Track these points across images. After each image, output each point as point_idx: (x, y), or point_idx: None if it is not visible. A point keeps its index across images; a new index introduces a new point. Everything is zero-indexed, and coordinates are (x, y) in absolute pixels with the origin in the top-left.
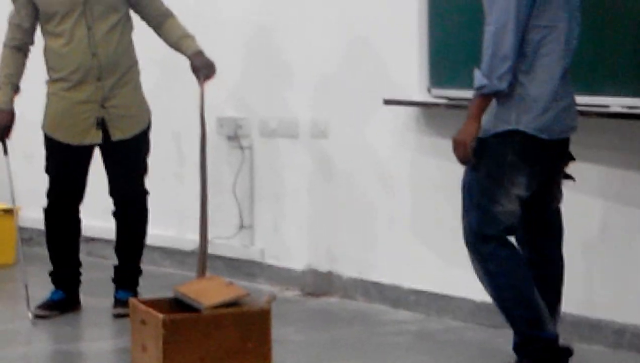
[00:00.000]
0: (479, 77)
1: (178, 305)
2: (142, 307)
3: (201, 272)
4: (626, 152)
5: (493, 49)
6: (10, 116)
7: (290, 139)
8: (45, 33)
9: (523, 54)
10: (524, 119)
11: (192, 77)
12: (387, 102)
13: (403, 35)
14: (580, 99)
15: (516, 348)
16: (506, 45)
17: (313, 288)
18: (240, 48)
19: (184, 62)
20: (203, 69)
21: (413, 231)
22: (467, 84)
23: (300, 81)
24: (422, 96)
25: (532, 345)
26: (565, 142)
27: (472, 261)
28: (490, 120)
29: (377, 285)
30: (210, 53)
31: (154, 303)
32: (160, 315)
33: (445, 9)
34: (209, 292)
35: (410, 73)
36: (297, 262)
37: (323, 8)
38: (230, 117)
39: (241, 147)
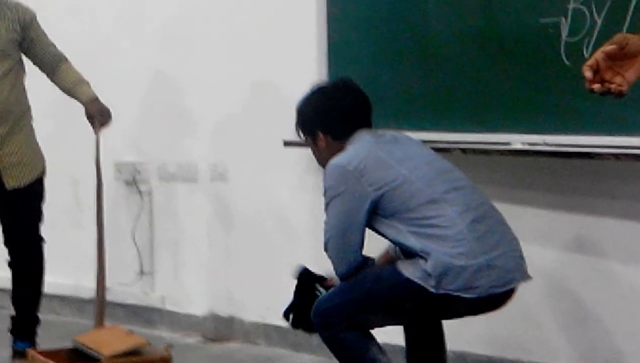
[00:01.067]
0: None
1: (78, 355)
2: (41, 358)
3: (99, 321)
4: (527, 188)
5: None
6: None
7: (189, 183)
8: None
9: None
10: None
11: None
12: (287, 144)
13: (303, 78)
14: (481, 137)
15: None
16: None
17: (215, 334)
18: (137, 92)
19: (81, 108)
20: (98, 116)
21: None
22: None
23: (199, 124)
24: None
25: None
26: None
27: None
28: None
29: (278, 329)
30: (107, 97)
31: (53, 354)
32: None
33: (344, 50)
34: (109, 342)
35: None
36: (198, 307)
37: (223, 52)
38: (129, 162)
39: (140, 192)
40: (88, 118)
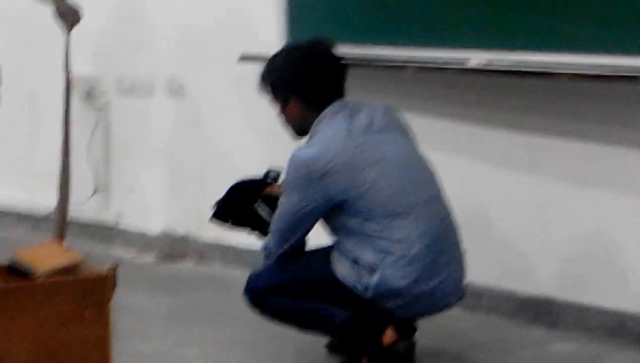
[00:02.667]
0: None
1: (13, 272)
2: None
3: (58, 240)
4: (484, 107)
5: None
6: None
7: (146, 98)
8: None
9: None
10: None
11: (48, 34)
12: (244, 58)
13: None
14: (437, 54)
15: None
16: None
17: (168, 253)
18: (94, 3)
19: (37, 19)
20: (68, 14)
21: None
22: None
23: (156, 37)
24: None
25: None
26: None
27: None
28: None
29: (233, 249)
30: None
31: None
32: None
33: None
34: (45, 258)
35: (267, 27)
36: (153, 225)
37: None
38: (84, 76)
39: (95, 108)
40: (58, 17)
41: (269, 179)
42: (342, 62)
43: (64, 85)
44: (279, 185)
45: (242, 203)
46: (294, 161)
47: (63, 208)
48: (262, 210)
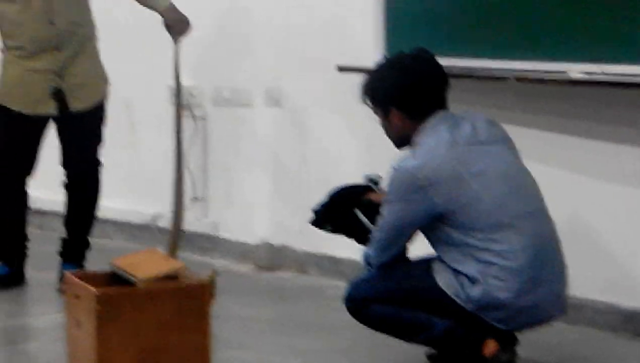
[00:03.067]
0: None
1: (115, 279)
2: (76, 280)
3: (172, 251)
4: (583, 119)
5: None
6: None
7: (244, 108)
8: None
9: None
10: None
11: (144, 42)
12: (342, 68)
13: (358, 1)
14: (537, 65)
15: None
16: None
17: (267, 263)
18: (196, 13)
19: (132, 27)
20: (176, 24)
21: None
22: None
23: (254, 48)
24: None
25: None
26: None
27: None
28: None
29: (331, 259)
30: None
31: (90, 277)
32: (93, 290)
33: None
34: (146, 266)
35: (365, 39)
36: (250, 235)
37: None
38: (183, 86)
39: (194, 117)
40: (166, 28)
41: (370, 184)
42: (445, 72)
43: (174, 95)
44: (380, 192)
45: (342, 209)
46: (397, 171)
47: (177, 221)
48: (362, 215)
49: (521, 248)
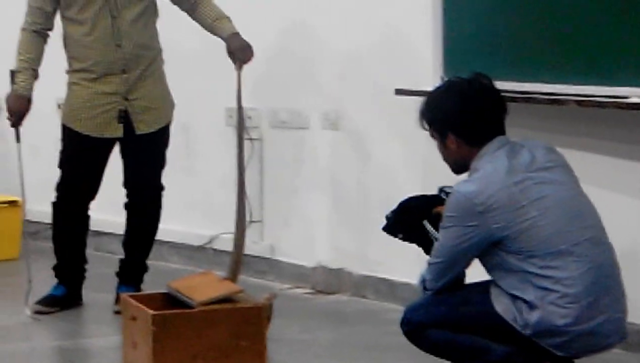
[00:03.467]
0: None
1: (171, 301)
2: (133, 302)
3: (234, 274)
4: None
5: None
6: (28, 103)
7: (300, 130)
8: (65, 19)
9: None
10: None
11: (200, 66)
12: (399, 92)
13: (417, 24)
14: (598, 90)
15: None
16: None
17: (324, 286)
18: (250, 36)
19: (189, 50)
20: (239, 51)
21: None
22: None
23: (311, 72)
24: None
25: None
26: None
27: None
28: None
29: (387, 282)
30: None
31: (146, 299)
32: (150, 311)
33: (461, 4)
34: (202, 288)
35: (424, 63)
36: (307, 258)
37: (338, 0)
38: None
39: (250, 139)
40: (229, 54)
41: (442, 196)
42: (503, 98)
43: (237, 122)
44: None
45: (411, 219)
46: (454, 195)
47: (239, 245)
48: (431, 227)
49: (579, 275)
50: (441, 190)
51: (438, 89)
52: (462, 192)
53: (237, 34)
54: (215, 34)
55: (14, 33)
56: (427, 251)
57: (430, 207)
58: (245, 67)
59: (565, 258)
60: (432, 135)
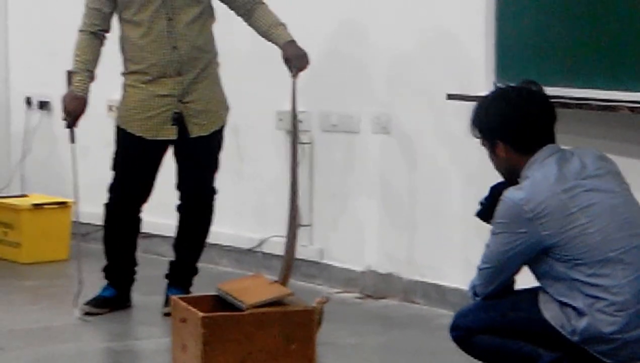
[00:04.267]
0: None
1: (220, 303)
2: (183, 304)
3: (285, 278)
4: None
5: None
6: (84, 104)
7: (351, 134)
8: (122, 21)
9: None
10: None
11: (251, 69)
12: (451, 96)
13: (470, 28)
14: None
15: None
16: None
17: (373, 290)
18: (302, 39)
19: (240, 53)
20: (295, 59)
21: (478, 233)
22: (535, 78)
23: (362, 75)
24: (489, 91)
25: None
26: None
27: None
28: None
29: (437, 288)
30: None
31: (196, 301)
32: (200, 314)
33: (512, 2)
34: (252, 291)
35: (476, 67)
36: (356, 262)
37: (388, 2)
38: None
39: (301, 143)
40: (285, 61)
41: None
42: (553, 106)
43: (291, 130)
44: None
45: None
46: (504, 202)
47: (292, 248)
48: None
49: (628, 282)
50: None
51: (486, 97)
52: (512, 199)
53: (293, 41)
54: (270, 40)
55: (72, 34)
56: None
57: None
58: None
59: (614, 266)
60: (483, 143)
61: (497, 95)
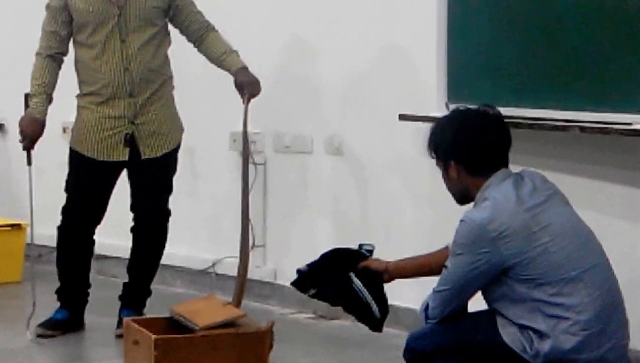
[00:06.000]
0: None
1: (173, 325)
2: (135, 326)
3: (238, 299)
4: None
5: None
6: (42, 126)
7: (304, 155)
8: (76, 44)
9: None
10: None
11: (205, 89)
12: (403, 117)
13: (422, 49)
14: (602, 116)
15: None
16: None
17: (326, 311)
18: (254, 61)
19: (194, 75)
20: (247, 86)
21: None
22: (486, 99)
23: (315, 96)
24: (440, 111)
25: None
26: None
27: None
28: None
29: (391, 308)
30: None
31: (149, 323)
32: (152, 336)
33: (466, 22)
34: (205, 313)
35: (428, 88)
36: None
37: (340, 22)
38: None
39: (254, 163)
40: (237, 88)
41: (364, 252)
42: (509, 131)
43: (242, 155)
44: (377, 260)
45: (335, 272)
46: (466, 223)
47: (244, 270)
48: (357, 280)
49: (590, 301)
50: (360, 247)
51: (444, 118)
52: (475, 219)
53: (245, 68)
54: (223, 67)
55: (27, 57)
56: (346, 306)
57: (354, 262)
58: None
59: (576, 285)
60: (437, 163)
61: (455, 117)
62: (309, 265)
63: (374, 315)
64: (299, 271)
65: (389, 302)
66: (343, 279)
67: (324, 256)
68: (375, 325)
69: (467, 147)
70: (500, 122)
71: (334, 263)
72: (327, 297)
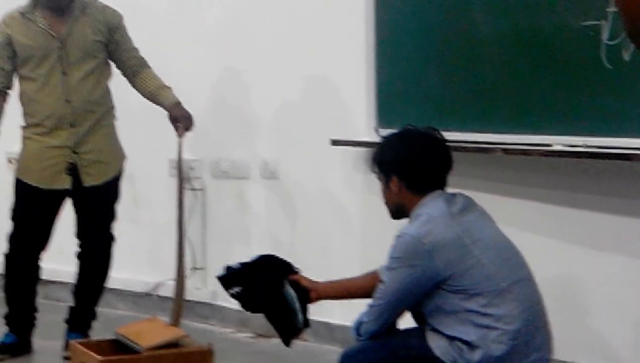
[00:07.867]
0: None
1: (119, 347)
2: (82, 348)
3: (176, 320)
4: (567, 190)
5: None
6: None
7: (241, 180)
8: (20, 77)
9: None
10: None
11: (144, 118)
12: (335, 142)
13: (350, 75)
14: (523, 138)
15: None
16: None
17: (265, 330)
18: (190, 90)
19: (134, 105)
20: (182, 120)
21: (364, 271)
22: (414, 122)
23: (250, 123)
24: (370, 136)
25: None
26: None
27: None
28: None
29: (327, 325)
30: None
31: (94, 346)
32: (98, 357)
33: (392, 50)
34: (148, 334)
35: (357, 113)
36: None
37: (271, 51)
38: (183, 159)
39: (193, 189)
40: (172, 122)
41: (295, 268)
42: (451, 156)
43: (177, 185)
44: (306, 278)
45: (268, 274)
46: (403, 237)
47: (180, 291)
48: (290, 288)
49: (518, 313)
50: (229, 268)
51: (393, 134)
52: (411, 234)
53: (179, 103)
54: (156, 102)
55: None
56: (269, 310)
57: (286, 272)
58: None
59: (505, 296)
60: (379, 178)
61: (402, 134)
62: (241, 264)
63: (297, 324)
64: (229, 268)
65: (322, 319)
66: (275, 283)
67: (259, 258)
68: (290, 336)
69: (411, 164)
70: (444, 146)
71: (268, 267)
72: (252, 298)
